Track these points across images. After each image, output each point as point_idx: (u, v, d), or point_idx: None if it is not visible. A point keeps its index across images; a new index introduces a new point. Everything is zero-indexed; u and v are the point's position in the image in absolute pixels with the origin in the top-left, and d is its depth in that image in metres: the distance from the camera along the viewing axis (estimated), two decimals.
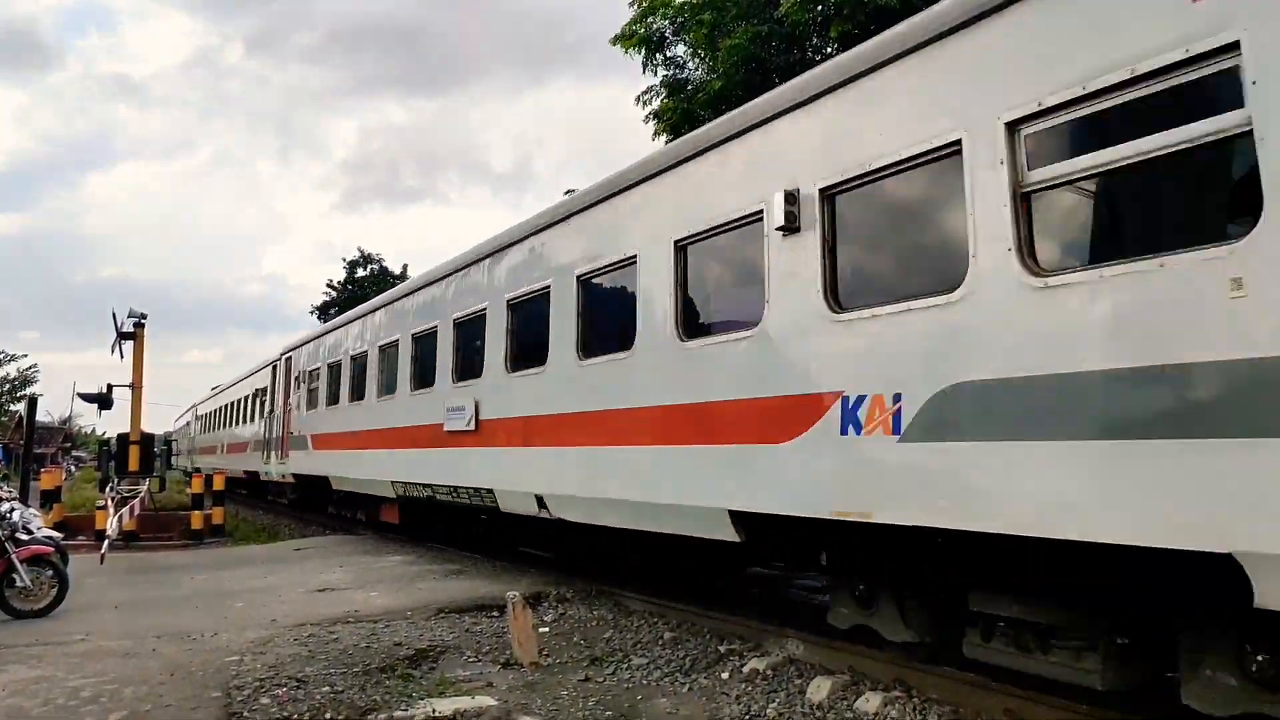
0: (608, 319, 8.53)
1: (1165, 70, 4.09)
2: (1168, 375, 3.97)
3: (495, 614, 8.72)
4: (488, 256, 11.26)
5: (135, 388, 18.81)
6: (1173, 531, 3.97)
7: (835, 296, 5.93)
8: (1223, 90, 3.92)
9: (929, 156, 5.27)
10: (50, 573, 9.30)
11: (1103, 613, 5.02)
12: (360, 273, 55.40)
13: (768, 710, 5.79)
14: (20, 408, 49.33)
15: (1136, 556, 4.18)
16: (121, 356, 18.75)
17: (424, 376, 12.87)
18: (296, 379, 20.10)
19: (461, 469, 11.21)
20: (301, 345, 20.56)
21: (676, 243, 7.50)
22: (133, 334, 18.70)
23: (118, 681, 6.45)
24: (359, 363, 15.78)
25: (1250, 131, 3.79)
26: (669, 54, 19.82)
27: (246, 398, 26.45)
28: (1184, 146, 4.05)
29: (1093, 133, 4.48)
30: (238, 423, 28.06)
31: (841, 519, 5.59)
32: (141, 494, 17.42)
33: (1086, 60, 4.41)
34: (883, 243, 5.91)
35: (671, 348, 7.36)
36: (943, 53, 5.24)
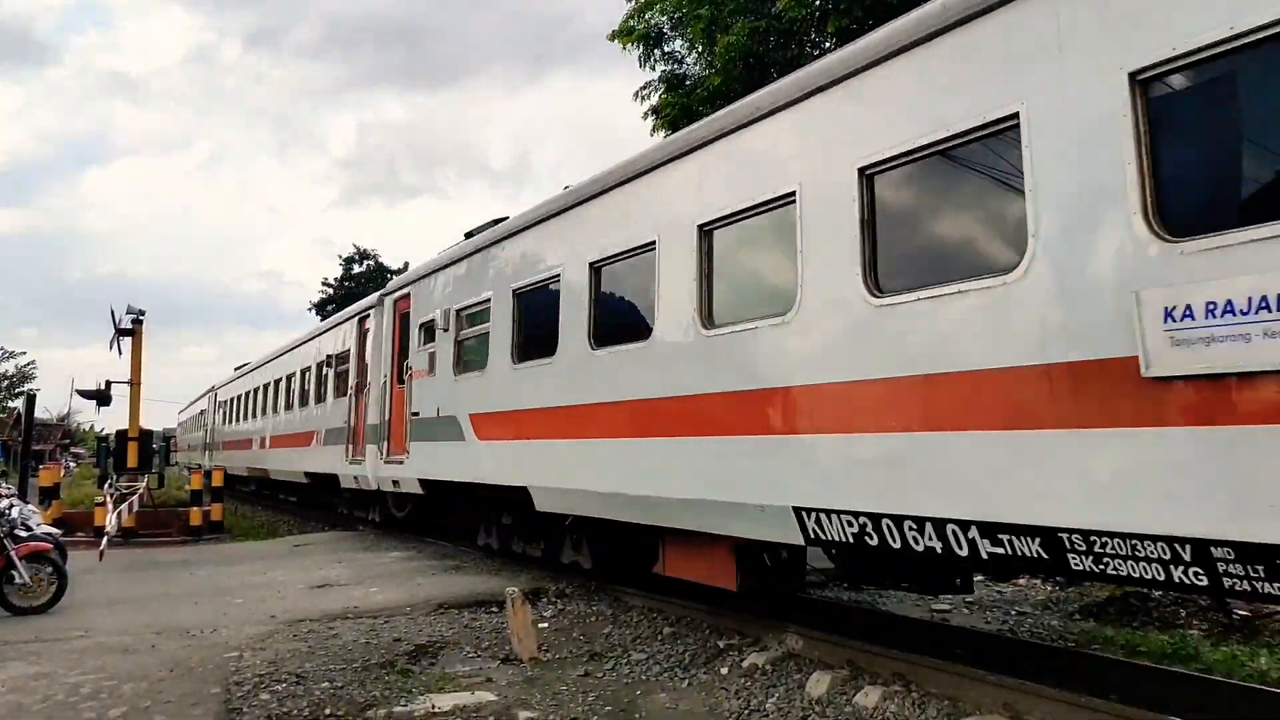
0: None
1: None
2: None
3: (495, 609, 8.73)
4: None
5: (134, 384, 18.79)
6: None
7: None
8: None
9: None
10: (49, 569, 9.30)
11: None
12: (357, 269, 55.37)
13: (767, 705, 5.80)
14: (19, 404, 49.30)
15: None
16: (120, 353, 18.74)
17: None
18: (427, 327, 12.33)
19: None
20: (437, 272, 12.44)
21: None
22: (131, 330, 18.68)
23: (117, 678, 6.45)
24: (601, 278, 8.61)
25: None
26: (667, 49, 19.79)
27: (308, 370, 19.22)
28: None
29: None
30: (292, 405, 20.63)
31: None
32: (140, 490, 17.40)
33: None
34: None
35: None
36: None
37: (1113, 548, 4.18)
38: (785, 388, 6.12)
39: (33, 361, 76.07)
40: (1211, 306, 3.73)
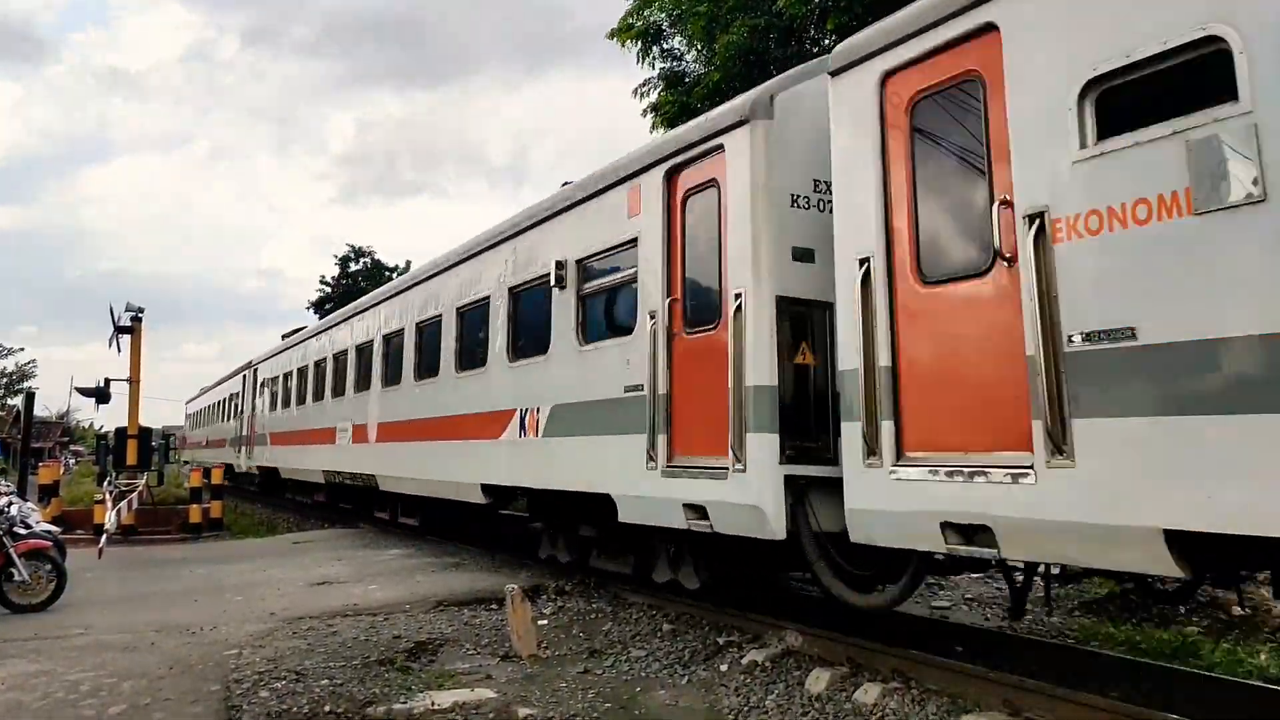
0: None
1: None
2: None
3: (494, 607, 8.73)
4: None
5: (133, 382, 18.78)
6: None
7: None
8: None
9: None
10: (48, 567, 9.31)
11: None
12: (353, 267, 55.34)
13: (766, 702, 5.80)
14: (18, 402, 49.27)
15: None
16: (119, 351, 18.73)
17: None
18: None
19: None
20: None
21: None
22: (130, 328, 18.66)
23: (117, 675, 6.45)
24: None
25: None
26: (666, 46, 19.77)
27: (491, 302, 10.98)
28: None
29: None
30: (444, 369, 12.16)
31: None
32: (140, 488, 17.40)
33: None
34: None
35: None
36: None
37: None
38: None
39: (32, 360, 76.20)
40: None
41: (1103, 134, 4.49)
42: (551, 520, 10.28)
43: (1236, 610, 7.88)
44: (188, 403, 47.75)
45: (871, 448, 5.52)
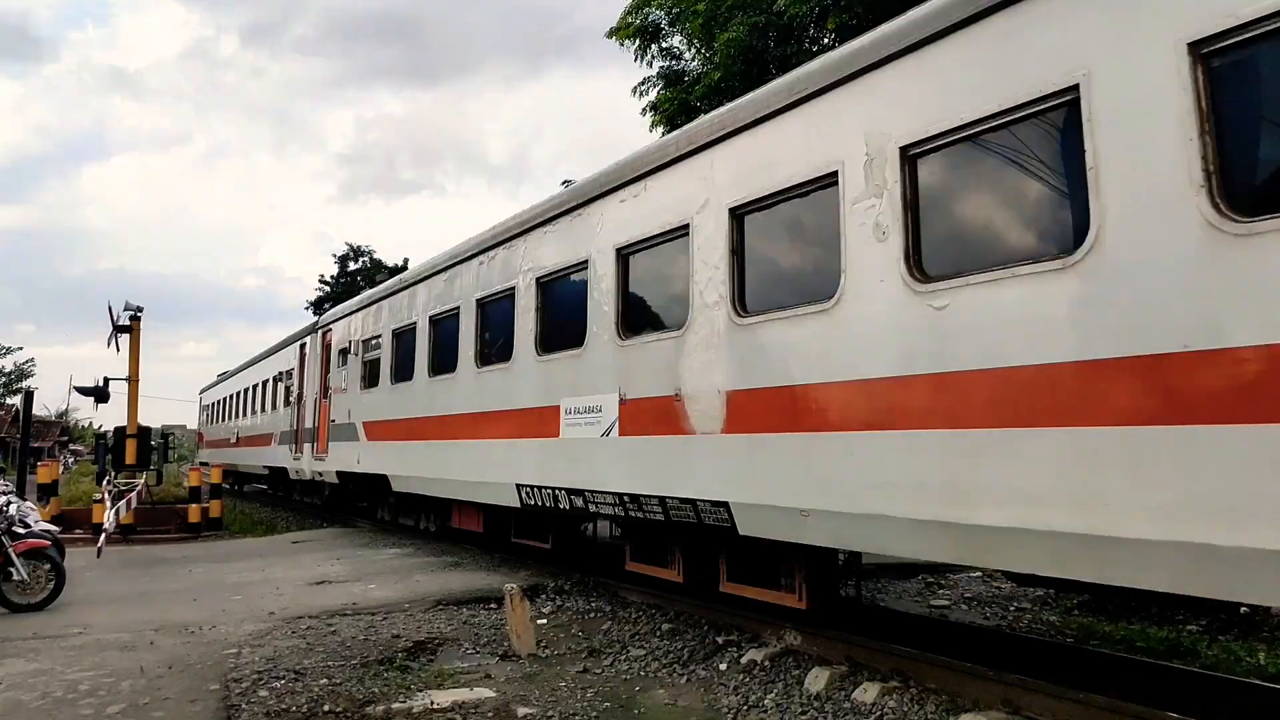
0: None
1: None
2: None
3: (493, 606, 8.73)
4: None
5: (132, 381, 18.76)
6: None
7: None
8: None
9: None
10: (47, 566, 9.30)
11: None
12: (352, 266, 55.30)
13: (766, 701, 5.81)
14: (17, 401, 49.27)
15: None
16: (118, 350, 18.70)
17: None
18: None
19: None
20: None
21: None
22: (129, 327, 18.64)
23: (115, 675, 6.45)
24: None
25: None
26: (664, 45, 19.77)
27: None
28: None
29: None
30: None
31: None
32: (139, 487, 17.38)
33: None
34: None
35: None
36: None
37: None
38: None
39: (31, 359, 76.13)
40: None
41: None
42: None
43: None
44: (203, 392, 39.09)
45: None
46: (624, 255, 8.11)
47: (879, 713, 5.42)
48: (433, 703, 5.78)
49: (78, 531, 15.87)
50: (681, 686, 6.28)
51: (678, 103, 18.80)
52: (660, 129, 19.17)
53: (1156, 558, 3.99)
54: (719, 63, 17.49)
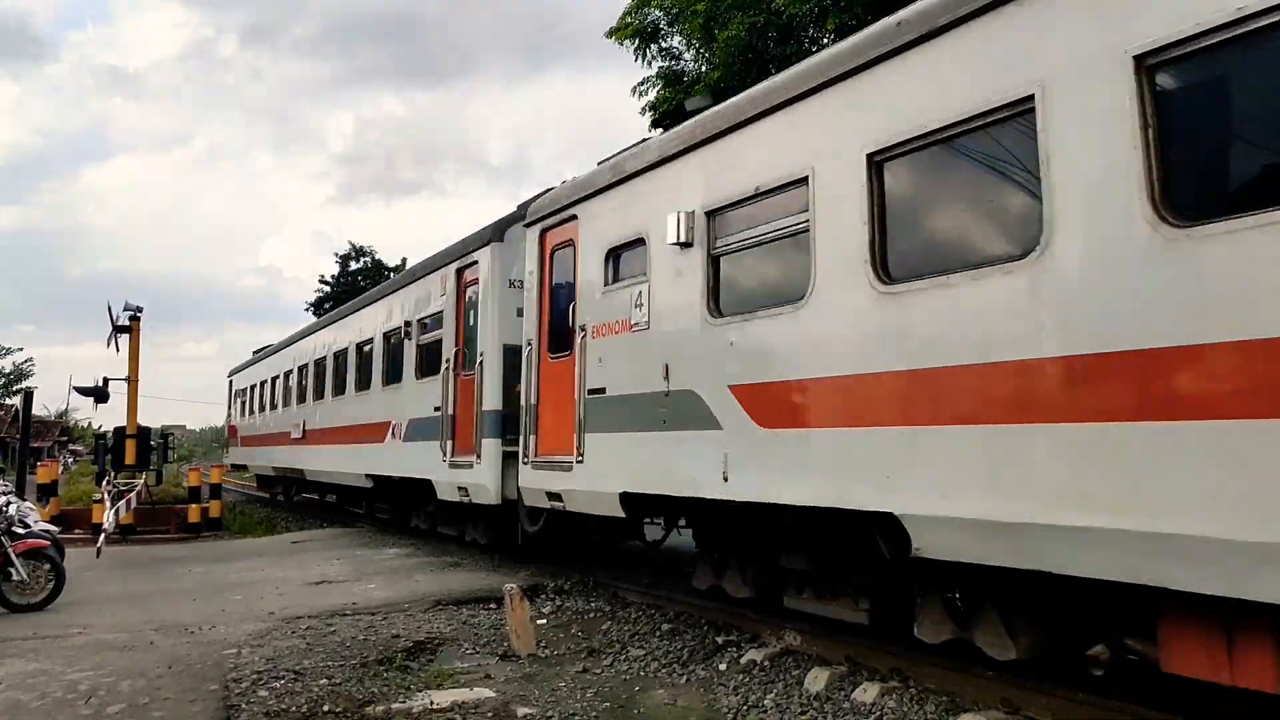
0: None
1: None
2: None
3: (493, 606, 8.73)
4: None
5: (131, 381, 18.76)
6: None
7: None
8: None
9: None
10: (47, 566, 9.31)
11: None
12: (354, 265, 55.26)
13: (765, 701, 5.80)
14: (16, 401, 49.25)
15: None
16: (118, 350, 18.70)
17: None
18: None
19: None
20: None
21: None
22: (129, 327, 18.64)
23: (115, 674, 6.45)
24: None
25: None
26: (664, 45, 19.77)
27: None
28: None
29: None
30: None
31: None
32: (138, 487, 17.38)
33: None
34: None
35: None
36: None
37: None
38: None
39: (30, 358, 76.07)
40: None
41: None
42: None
43: None
44: (234, 374, 29.65)
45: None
46: None
47: (879, 713, 5.42)
48: (432, 703, 5.78)
49: (77, 532, 15.86)
50: (681, 686, 6.28)
51: (677, 102, 18.80)
52: (659, 129, 19.18)
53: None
54: (719, 62, 17.50)
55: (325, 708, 5.72)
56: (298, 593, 9.92)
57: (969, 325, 4.97)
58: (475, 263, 11.54)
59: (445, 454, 11.62)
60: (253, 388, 26.44)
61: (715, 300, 7.01)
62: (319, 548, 14.40)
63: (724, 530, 7.77)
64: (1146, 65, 4.16)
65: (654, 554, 11.04)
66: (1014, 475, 4.68)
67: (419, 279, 13.78)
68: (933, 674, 5.82)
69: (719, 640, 7.26)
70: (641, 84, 19.86)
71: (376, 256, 55.46)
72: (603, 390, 8.26)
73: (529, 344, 9.66)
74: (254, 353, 28.25)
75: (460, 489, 11.24)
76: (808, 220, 6.12)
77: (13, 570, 8.96)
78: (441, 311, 12.39)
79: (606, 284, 8.43)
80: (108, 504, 15.52)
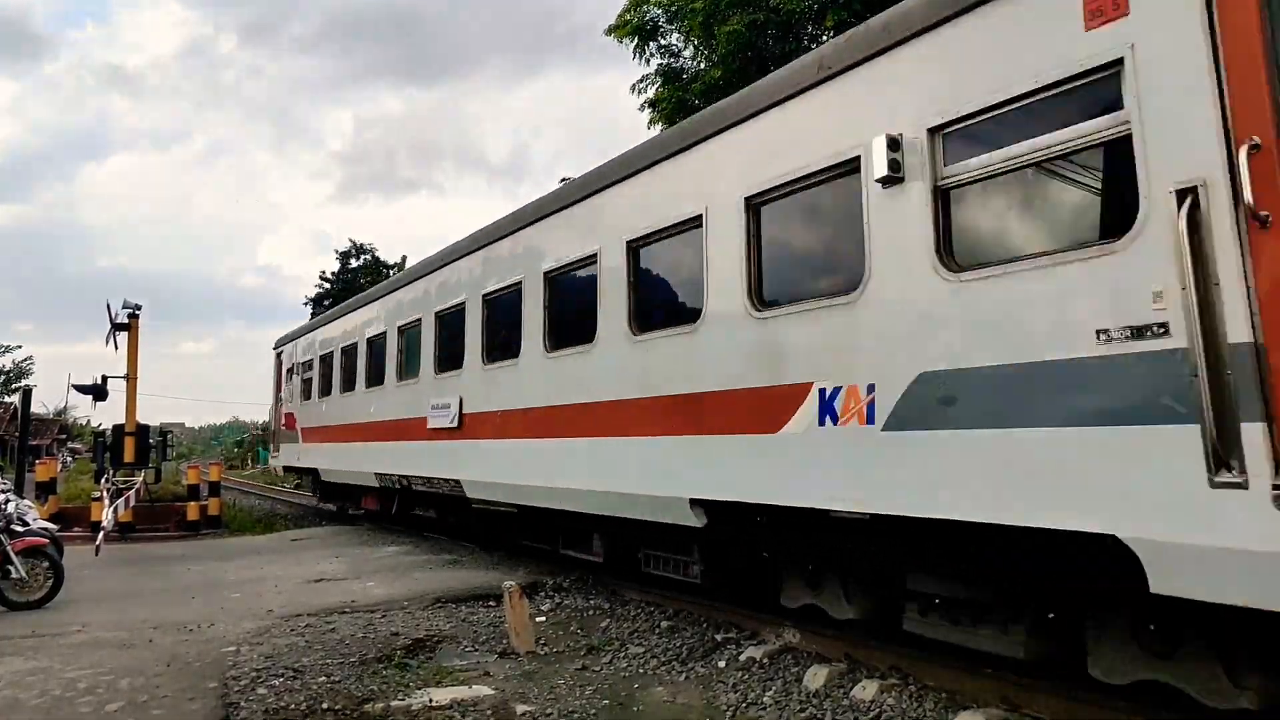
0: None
1: None
2: None
3: (492, 604, 8.72)
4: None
5: (130, 379, 18.74)
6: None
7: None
8: None
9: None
10: (46, 564, 9.29)
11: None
12: (354, 263, 55.22)
13: (764, 698, 5.80)
14: (15, 399, 49.21)
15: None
16: (116, 348, 18.68)
17: None
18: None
19: None
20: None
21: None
22: (127, 325, 18.63)
23: (114, 672, 6.45)
24: None
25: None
26: (663, 42, 19.77)
27: None
28: None
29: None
30: None
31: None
32: (137, 485, 17.37)
33: None
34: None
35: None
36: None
37: None
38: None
39: (29, 356, 75.97)
40: None
41: None
42: None
43: None
44: (287, 343, 21.44)
45: None
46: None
47: (878, 710, 5.42)
48: (431, 700, 5.77)
49: (76, 529, 15.84)
50: (680, 684, 6.28)
51: (675, 100, 18.81)
52: (659, 126, 19.19)
53: None
54: (718, 59, 17.51)
55: (324, 705, 5.71)
56: (297, 590, 9.91)
57: None
58: None
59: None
60: (327, 358, 17.78)
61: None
62: (318, 545, 14.40)
63: None
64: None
65: None
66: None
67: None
68: (932, 671, 5.82)
69: (718, 638, 7.26)
70: (640, 81, 19.86)
71: (376, 254, 55.45)
72: None
73: None
74: (314, 313, 24.56)
75: None
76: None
77: (12, 568, 8.95)
78: None
79: None
80: (106, 502, 15.51)
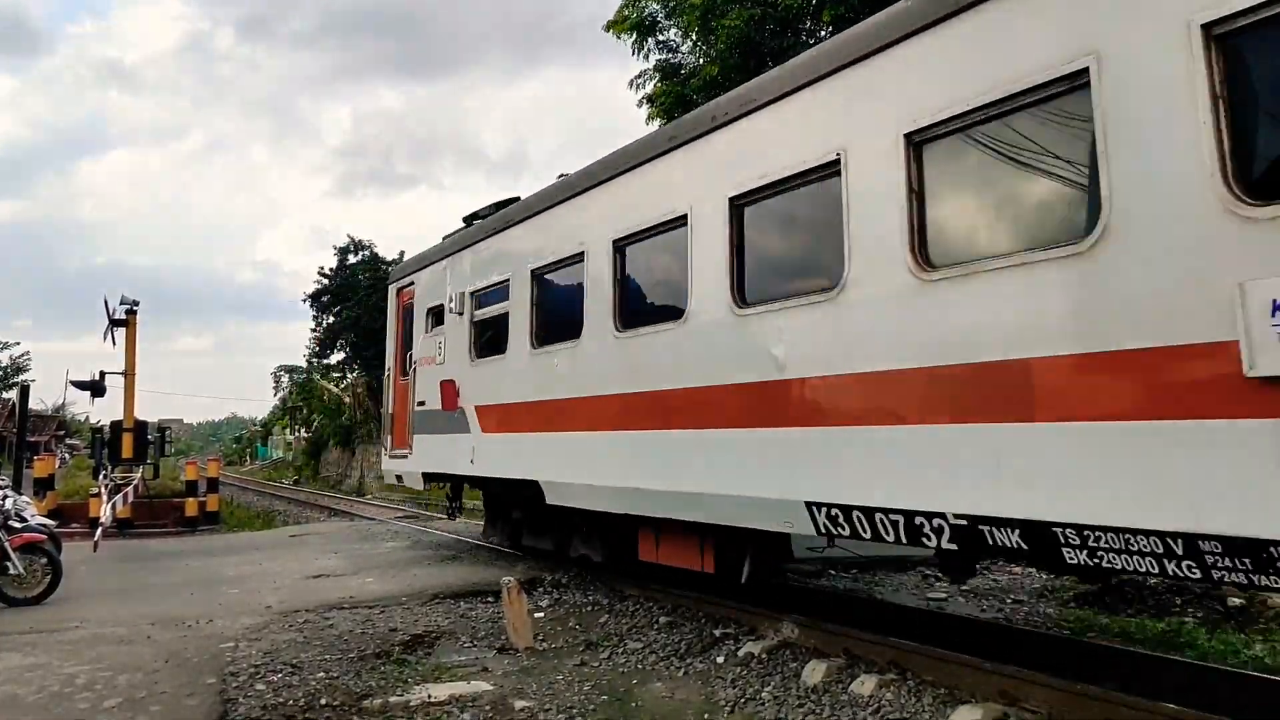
0: None
1: None
2: None
3: (490, 599, 8.72)
4: None
5: (128, 375, 18.74)
6: None
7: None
8: None
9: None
10: (44, 560, 9.29)
11: None
12: (352, 259, 55.10)
13: (763, 693, 5.81)
14: (13, 395, 49.14)
15: None
16: (114, 344, 18.71)
17: None
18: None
19: None
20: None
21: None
22: (125, 321, 18.63)
23: (112, 669, 6.44)
24: None
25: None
26: (661, 38, 19.74)
27: None
28: None
29: None
30: None
31: None
32: (135, 481, 17.37)
33: None
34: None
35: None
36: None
37: None
38: None
39: (26, 352, 75.75)
40: None
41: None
42: None
43: (1233, 601, 7.90)
44: (413, 274, 12.67)
45: None
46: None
47: (876, 705, 5.42)
48: (430, 696, 5.77)
49: (74, 526, 15.85)
50: (679, 679, 6.28)
51: (674, 96, 18.78)
52: (657, 121, 19.15)
53: None
54: (717, 54, 17.48)
55: (322, 701, 5.71)
56: (295, 586, 9.91)
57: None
58: None
59: None
60: (545, 280, 9.53)
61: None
62: (317, 541, 14.40)
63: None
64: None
65: None
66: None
67: None
68: (931, 666, 5.82)
69: (716, 633, 7.26)
70: (639, 77, 19.83)
71: (375, 250, 55.33)
72: None
73: None
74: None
75: None
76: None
77: (10, 564, 8.95)
78: None
79: None
80: (105, 498, 15.52)
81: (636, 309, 7.98)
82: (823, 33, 16.20)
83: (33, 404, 41.37)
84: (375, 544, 13.69)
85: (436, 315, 11.68)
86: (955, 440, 4.96)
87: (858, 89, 5.78)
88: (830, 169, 5.88)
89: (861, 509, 5.54)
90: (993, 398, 4.78)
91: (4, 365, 71.00)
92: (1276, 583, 3.88)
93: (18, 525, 9.25)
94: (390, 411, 12.83)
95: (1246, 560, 3.89)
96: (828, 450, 5.78)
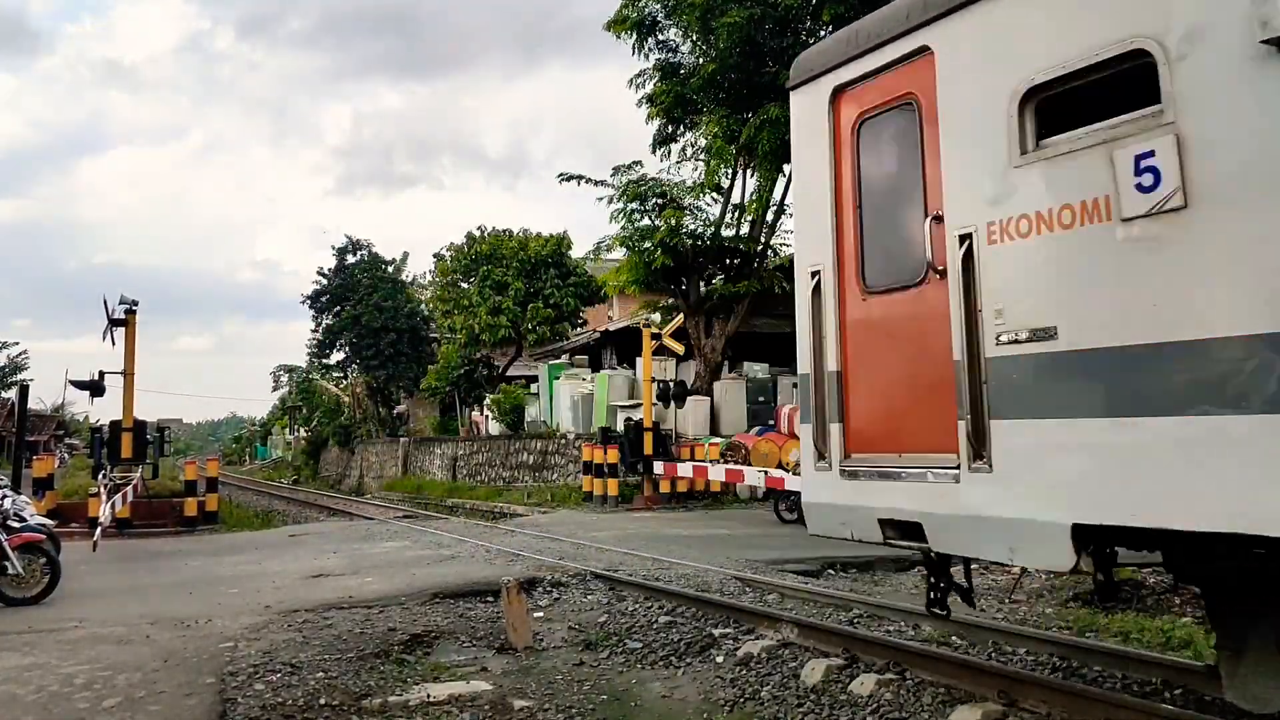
0: None
1: None
2: None
3: (490, 599, 8.72)
4: None
5: (127, 375, 18.72)
6: None
7: None
8: None
9: None
10: (43, 560, 9.28)
11: None
12: (350, 259, 54.99)
13: (762, 693, 5.80)
14: (12, 395, 49.10)
15: None
16: (114, 344, 18.65)
17: None
18: None
19: None
20: None
21: None
22: (124, 321, 18.60)
23: (111, 668, 6.44)
24: None
25: None
26: (661, 37, 19.75)
27: None
28: None
29: None
30: None
31: None
32: (134, 481, 17.35)
33: None
34: None
35: None
36: None
37: None
38: None
39: (25, 351, 75.65)
40: None
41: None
42: None
43: None
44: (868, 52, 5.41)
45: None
46: None
47: (875, 705, 5.42)
48: (429, 696, 5.77)
49: (73, 525, 15.83)
50: (678, 679, 6.28)
51: (674, 94, 18.79)
52: (657, 120, 19.19)
53: None
54: (717, 54, 17.48)
55: (321, 701, 5.71)
56: (294, 586, 9.90)
57: None
58: None
59: None
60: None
61: None
62: (316, 541, 14.40)
63: None
64: None
65: None
66: None
67: None
68: (930, 666, 5.82)
69: (715, 633, 7.26)
70: (638, 76, 19.85)
71: (374, 250, 55.21)
72: None
73: None
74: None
75: None
76: None
77: (8, 564, 8.94)
78: None
79: None
80: (104, 498, 15.49)
81: None
82: (822, 32, 16.20)
83: (32, 404, 41.32)
84: (374, 543, 13.69)
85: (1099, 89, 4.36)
86: None
87: None
88: None
89: None
90: None
91: (3, 365, 70.96)
92: None
93: (17, 525, 9.24)
94: (835, 369, 5.56)
95: None
96: None
